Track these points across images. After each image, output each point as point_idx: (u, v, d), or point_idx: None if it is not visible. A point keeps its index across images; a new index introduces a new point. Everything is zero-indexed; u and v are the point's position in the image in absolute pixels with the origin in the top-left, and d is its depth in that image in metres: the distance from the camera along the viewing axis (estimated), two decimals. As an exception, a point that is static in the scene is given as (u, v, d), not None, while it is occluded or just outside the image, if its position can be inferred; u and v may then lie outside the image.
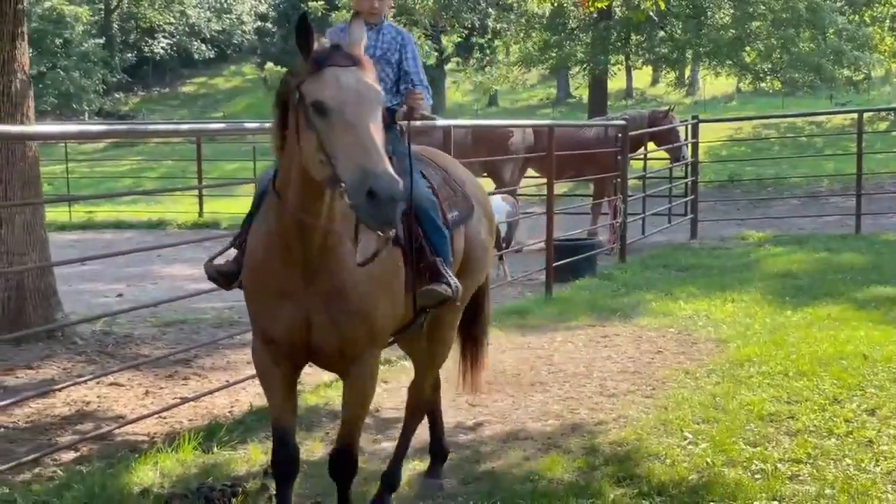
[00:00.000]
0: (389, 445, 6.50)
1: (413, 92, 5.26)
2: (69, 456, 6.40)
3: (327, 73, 3.93)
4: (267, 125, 12.14)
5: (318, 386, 7.70)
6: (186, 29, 60.55)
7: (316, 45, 4.01)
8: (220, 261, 4.99)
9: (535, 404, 7.41)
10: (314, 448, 6.38)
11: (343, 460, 4.78)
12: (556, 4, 29.23)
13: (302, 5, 38.00)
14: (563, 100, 54.08)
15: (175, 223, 20.34)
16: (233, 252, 5.01)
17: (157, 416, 7.16)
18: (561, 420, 7.00)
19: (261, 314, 4.57)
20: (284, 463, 4.78)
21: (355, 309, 4.39)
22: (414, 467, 6.08)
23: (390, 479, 5.52)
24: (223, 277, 4.90)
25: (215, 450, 6.35)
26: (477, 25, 43.13)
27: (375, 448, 6.51)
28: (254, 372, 7.71)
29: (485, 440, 6.64)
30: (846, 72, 34.31)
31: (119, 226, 20.58)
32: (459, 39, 44.18)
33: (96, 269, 14.02)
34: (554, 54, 36.56)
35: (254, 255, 4.51)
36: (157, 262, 14.69)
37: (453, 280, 4.84)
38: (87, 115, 50.67)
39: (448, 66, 51.05)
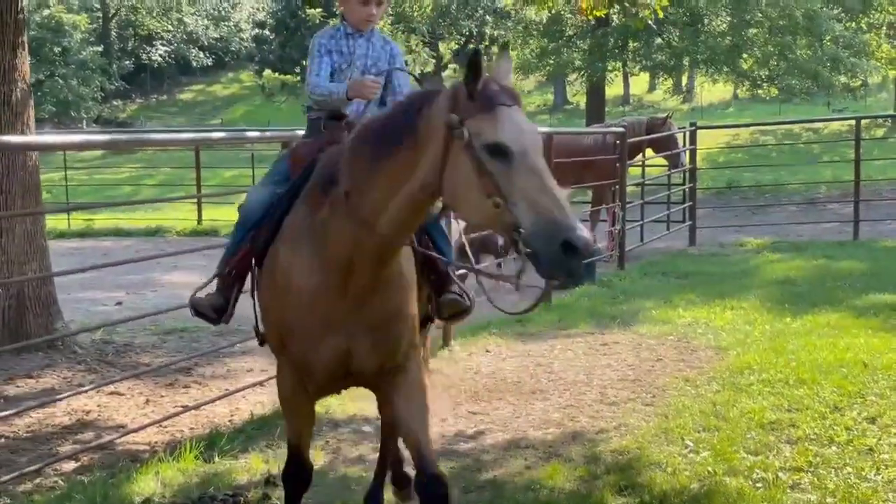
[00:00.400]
0: (390, 454, 6.51)
1: None
2: (70, 466, 6.40)
3: (501, 113, 3.68)
4: (268, 133, 12.07)
5: (319, 394, 7.69)
6: (184, 36, 60.72)
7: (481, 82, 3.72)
8: (202, 293, 4.87)
9: (536, 412, 7.42)
10: (315, 457, 6.36)
11: (439, 482, 4.30)
12: (553, 12, 29.21)
13: (299, 12, 38.02)
14: (560, 106, 54.16)
15: (174, 230, 20.34)
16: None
17: (157, 425, 7.16)
18: (562, 428, 7.00)
19: (299, 345, 4.29)
20: (298, 479, 4.79)
21: (404, 326, 4.34)
22: (414, 475, 6.07)
23: (374, 501, 5.41)
24: (216, 312, 4.79)
25: (216, 459, 6.35)
26: (475, 32, 43.21)
27: (377, 457, 6.50)
28: (254, 380, 7.79)
29: (486, 448, 6.64)
30: (843, 78, 34.40)
31: (118, 233, 20.55)
32: (457, 46, 44.22)
33: (95, 277, 14.00)
34: (551, 61, 36.65)
35: (294, 283, 4.20)
36: (156, 270, 14.66)
37: (466, 289, 4.77)
38: (85, 122, 50.74)
39: (446, 73, 51.10)
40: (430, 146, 3.77)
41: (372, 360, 4.29)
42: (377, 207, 3.94)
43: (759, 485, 5.69)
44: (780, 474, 5.84)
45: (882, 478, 5.75)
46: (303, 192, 4.35)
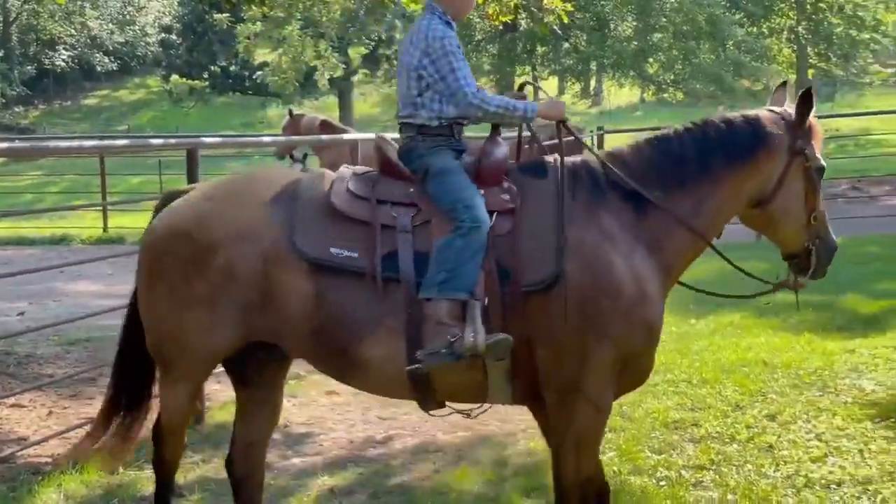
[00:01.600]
0: (299, 461, 6.49)
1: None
2: (-31, 480, 6.25)
3: (818, 141, 4.63)
4: (172, 141, 11.92)
5: (226, 403, 7.63)
6: (88, 41, 59.54)
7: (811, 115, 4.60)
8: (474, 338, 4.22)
9: (446, 417, 7.41)
10: (220, 466, 6.31)
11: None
12: (462, 17, 29.36)
13: (206, 17, 37.59)
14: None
15: (79, 238, 19.96)
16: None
17: (60, 436, 7.02)
18: (471, 432, 7.03)
19: (651, 350, 4.53)
20: None
21: None
22: (323, 482, 6.07)
23: None
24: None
25: (121, 470, 6.26)
26: (384, 37, 43.15)
27: (285, 464, 6.48)
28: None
29: (395, 454, 6.65)
30: (746, 82, 35.08)
31: (20, 242, 20.07)
32: (367, 51, 44.16)
33: (-4, 287, 13.72)
34: (460, 66, 36.75)
35: (648, 291, 4.40)
36: (60, 279, 14.36)
37: None
38: (-15, 129, 49.51)
39: (356, 78, 50.96)
40: (769, 164, 4.54)
41: None
42: (710, 216, 4.58)
43: (662, 483, 5.80)
44: (682, 472, 5.96)
45: (781, 474, 5.90)
46: (585, 204, 4.45)
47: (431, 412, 4.64)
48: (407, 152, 4.64)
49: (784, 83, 4.84)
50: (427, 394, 4.46)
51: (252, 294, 4.41)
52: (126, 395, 5.23)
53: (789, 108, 4.65)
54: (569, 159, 4.64)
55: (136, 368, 5.13)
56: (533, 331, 4.28)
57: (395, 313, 4.31)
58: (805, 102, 4.54)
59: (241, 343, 4.57)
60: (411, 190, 4.51)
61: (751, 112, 4.68)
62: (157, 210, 4.85)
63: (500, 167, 4.59)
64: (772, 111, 4.66)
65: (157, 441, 4.97)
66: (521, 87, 5.01)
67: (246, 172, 5.44)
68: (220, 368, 8.19)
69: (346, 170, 4.67)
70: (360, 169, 4.68)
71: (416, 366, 4.26)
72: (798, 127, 4.56)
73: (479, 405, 4.61)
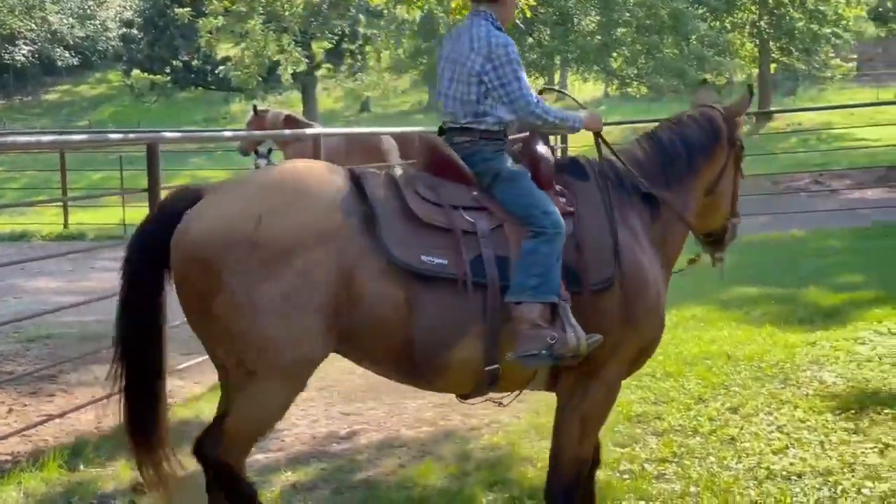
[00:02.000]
0: (262, 457, 6.46)
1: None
2: (-73, 479, 6.17)
3: (741, 130, 5.24)
4: (131, 135, 11.80)
5: (189, 399, 7.59)
6: (49, 35, 58.97)
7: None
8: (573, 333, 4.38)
9: (410, 411, 7.43)
10: (185, 463, 6.27)
11: None
12: (425, 11, 29.37)
13: (168, 12, 37.38)
14: (434, 106, 54.32)
15: (39, 235, 19.77)
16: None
17: (20, 434, 6.94)
18: (435, 427, 7.04)
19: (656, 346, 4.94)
20: None
21: None
22: (286, 478, 6.04)
23: None
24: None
25: (82, 468, 6.22)
26: (347, 32, 43.08)
27: (248, 460, 6.41)
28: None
29: (359, 449, 6.63)
30: (709, 77, 35.22)
31: (-21, 239, 19.89)
32: (330, 46, 44.03)
33: (-45, 284, 13.56)
34: (424, 60, 36.80)
35: (661, 291, 4.79)
36: (20, 276, 14.23)
37: None
38: (-56, 124, 48.91)
39: (319, 73, 50.85)
40: (721, 155, 5.10)
41: None
42: (692, 207, 5.03)
43: (625, 476, 5.82)
44: (645, 465, 5.99)
45: (743, 466, 5.94)
46: (619, 205, 4.73)
47: (466, 401, 4.87)
48: (471, 155, 4.68)
49: (705, 80, 5.52)
50: (487, 388, 4.65)
51: (333, 300, 4.16)
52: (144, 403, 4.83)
53: (718, 104, 5.27)
54: (596, 161, 4.95)
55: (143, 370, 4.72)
56: (585, 326, 4.42)
57: (478, 317, 4.36)
58: (749, 100, 5.27)
59: (331, 348, 4.38)
60: (475, 193, 4.56)
61: (701, 109, 5.21)
62: (170, 208, 4.38)
63: (552, 170, 4.75)
64: (712, 107, 5.21)
65: (225, 449, 4.56)
66: (541, 92, 5.23)
67: (276, 167, 4.79)
68: (184, 363, 8.18)
69: (397, 171, 4.70)
70: (407, 170, 4.75)
71: (496, 365, 4.42)
72: (733, 119, 5.15)
73: (512, 393, 4.88)
